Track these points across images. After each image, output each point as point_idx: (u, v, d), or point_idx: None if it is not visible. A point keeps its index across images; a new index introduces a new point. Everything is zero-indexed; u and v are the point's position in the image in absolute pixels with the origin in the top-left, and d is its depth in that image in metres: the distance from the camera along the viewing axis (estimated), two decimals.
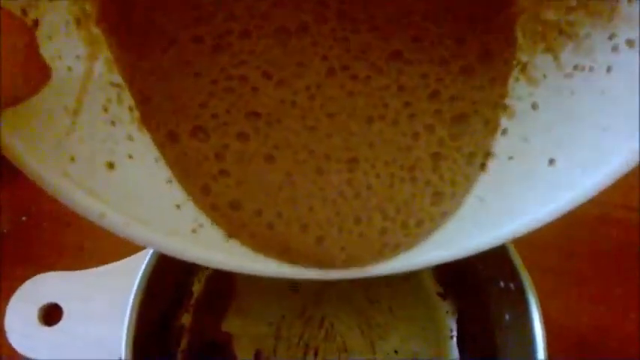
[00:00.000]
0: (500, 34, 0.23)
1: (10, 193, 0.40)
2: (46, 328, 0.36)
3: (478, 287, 0.32)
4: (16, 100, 0.18)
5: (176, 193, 0.23)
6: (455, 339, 0.34)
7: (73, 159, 0.21)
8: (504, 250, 0.29)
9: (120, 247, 0.38)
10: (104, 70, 0.22)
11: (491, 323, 0.32)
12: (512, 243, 0.29)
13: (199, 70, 0.23)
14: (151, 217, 0.22)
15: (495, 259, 0.30)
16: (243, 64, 0.23)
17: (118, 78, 0.22)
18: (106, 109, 0.22)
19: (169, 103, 0.23)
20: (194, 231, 0.23)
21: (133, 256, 0.37)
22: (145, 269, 0.26)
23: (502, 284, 0.31)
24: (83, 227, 0.40)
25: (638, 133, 0.20)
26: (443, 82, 0.24)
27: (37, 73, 0.19)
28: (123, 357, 0.25)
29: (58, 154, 0.20)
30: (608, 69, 0.21)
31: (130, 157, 0.22)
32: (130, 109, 0.22)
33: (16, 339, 0.36)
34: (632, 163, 0.20)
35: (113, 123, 0.22)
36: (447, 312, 0.35)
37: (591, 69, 0.22)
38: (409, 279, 0.35)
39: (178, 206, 0.23)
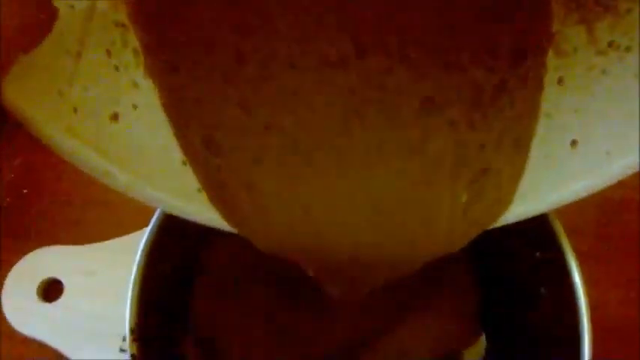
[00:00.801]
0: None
1: (12, 167, 0.39)
2: (46, 304, 0.34)
3: (509, 257, 0.29)
4: (29, 47, 0.17)
5: None
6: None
7: (75, 110, 0.19)
8: (543, 217, 0.27)
9: (122, 223, 0.36)
10: (108, 7, 0.20)
11: (523, 298, 0.30)
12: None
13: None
14: (157, 174, 0.20)
15: (532, 226, 0.27)
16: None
17: (122, 17, 0.20)
18: (109, 53, 0.20)
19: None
20: (200, 190, 0.21)
21: (135, 232, 0.35)
22: (145, 244, 0.24)
23: (538, 254, 0.28)
24: (85, 202, 0.38)
25: None
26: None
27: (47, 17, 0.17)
28: (127, 333, 0.23)
29: (61, 105, 0.19)
30: None
31: (135, 107, 0.20)
32: (135, 52, 0.20)
33: (14, 316, 0.34)
34: None
35: (117, 68, 0.20)
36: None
37: (628, 49, 0.20)
38: None
39: (184, 162, 0.21)
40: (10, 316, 0.34)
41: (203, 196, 0.21)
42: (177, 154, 0.21)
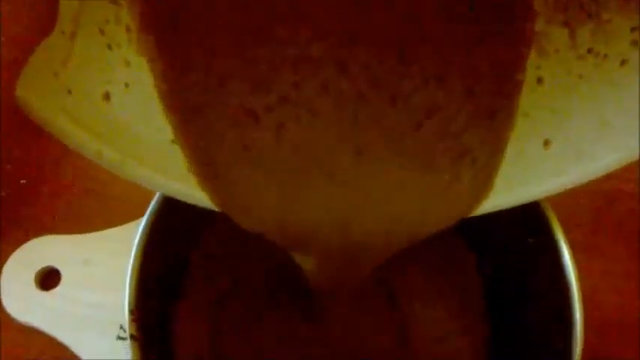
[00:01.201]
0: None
1: (10, 157, 0.39)
2: (44, 293, 0.34)
3: (504, 244, 0.30)
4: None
5: None
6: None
7: (70, 91, 0.19)
8: (534, 205, 0.27)
9: (120, 213, 0.36)
10: None
11: (519, 283, 0.30)
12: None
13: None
14: (147, 153, 0.21)
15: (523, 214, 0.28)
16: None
17: None
18: (102, 32, 0.20)
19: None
20: (189, 170, 0.21)
21: (133, 222, 0.36)
22: (142, 232, 0.24)
23: (530, 240, 0.28)
24: (83, 193, 0.38)
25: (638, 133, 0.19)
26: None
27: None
28: (127, 322, 0.23)
29: (55, 86, 0.19)
30: (623, 62, 0.20)
31: (127, 85, 0.21)
32: (128, 29, 0.21)
33: (11, 304, 0.34)
34: (628, 160, 0.20)
35: (110, 47, 0.21)
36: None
37: (605, 57, 0.20)
38: None
39: (174, 141, 0.21)
40: (7, 304, 0.34)
41: (192, 176, 0.21)
42: (167, 133, 0.21)
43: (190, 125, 0.21)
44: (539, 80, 0.22)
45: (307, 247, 0.22)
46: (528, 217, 0.27)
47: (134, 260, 0.23)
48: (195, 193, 0.21)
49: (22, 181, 0.38)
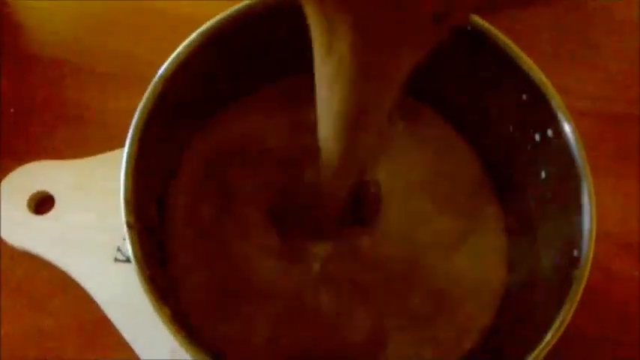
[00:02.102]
0: None
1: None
2: (38, 217, 0.34)
3: (506, 140, 0.29)
4: None
5: None
6: None
7: None
8: (540, 94, 0.26)
9: (111, 139, 0.35)
10: None
11: (523, 184, 0.29)
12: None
13: None
14: None
15: (529, 102, 0.27)
16: None
17: None
18: None
19: None
20: None
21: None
22: (137, 119, 0.23)
23: (537, 137, 0.28)
24: (74, 120, 0.37)
25: None
26: None
27: None
28: (129, 247, 0.23)
29: None
30: None
31: None
32: None
33: (5, 228, 0.33)
34: None
35: None
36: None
37: None
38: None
39: None
40: (1, 228, 0.33)
41: None
42: None
43: None
44: None
45: None
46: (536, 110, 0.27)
47: (129, 148, 0.22)
48: None
49: (10, 110, 0.37)
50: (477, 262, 0.30)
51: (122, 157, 0.23)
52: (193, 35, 0.25)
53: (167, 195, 0.29)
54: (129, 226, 0.22)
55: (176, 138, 0.28)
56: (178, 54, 0.25)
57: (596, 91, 0.39)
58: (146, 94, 0.23)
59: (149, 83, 0.25)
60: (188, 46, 0.25)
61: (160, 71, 0.24)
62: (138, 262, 0.22)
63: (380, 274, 0.29)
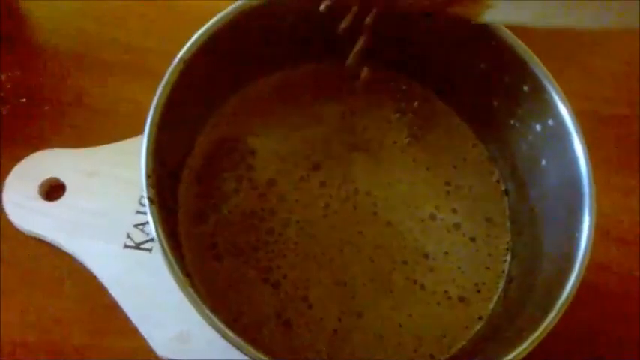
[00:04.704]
0: None
1: (12, 76, 0.38)
2: (49, 203, 0.34)
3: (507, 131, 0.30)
4: None
5: None
6: None
7: None
8: (539, 84, 0.27)
9: (121, 129, 0.36)
10: None
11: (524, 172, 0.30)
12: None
13: None
14: None
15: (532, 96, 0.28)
16: None
17: None
18: None
19: None
20: None
21: (136, 137, 0.35)
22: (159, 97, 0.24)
23: (538, 127, 0.29)
24: (83, 110, 0.38)
25: None
26: None
27: None
28: (150, 222, 0.23)
29: None
30: None
31: None
32: None
33: (15, 214, 0.34)
34: None
35: None
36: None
37: None
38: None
39: None
40: (11, 213, 0.33)
41: None
42: None
43: None
44: None
45: None
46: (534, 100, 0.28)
47: (150, 125, 0.23)
48: None
49: (22, 100, 0.38)
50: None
51: (145, 130, 0.23)
52: (214, 19, 0.26)
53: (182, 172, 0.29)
54: (151, 201, 0.23)
55: (194, 117, 0.29)
56: (199, 36, 0.26)
57: (593, 91, 0.40)
58: (167, 74, 0.24)
59: (159, 75, 0.26)
60: (208, 29, 0.26)
61: (181, 53, 0.25)
62: (159, 236, 0.22)
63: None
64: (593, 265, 0.26)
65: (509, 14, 0.25)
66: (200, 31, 0.26)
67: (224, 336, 0.22)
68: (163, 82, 0.24)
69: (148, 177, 0.23)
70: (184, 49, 0.25)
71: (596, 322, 0.35)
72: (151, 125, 0.24)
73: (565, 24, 0.25)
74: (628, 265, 0.36)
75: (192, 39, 0.26)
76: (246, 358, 0.22)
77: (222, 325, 0.22)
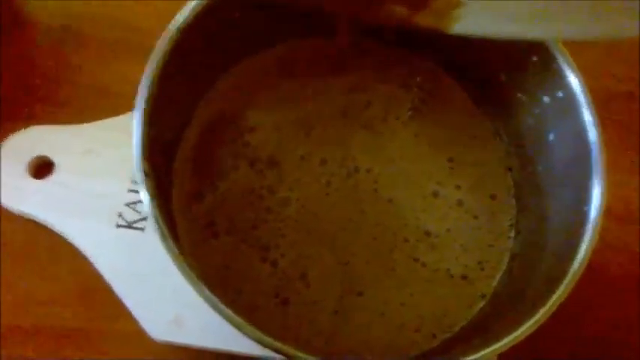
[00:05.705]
0: None
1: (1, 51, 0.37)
2: (37, 181, 0.33)
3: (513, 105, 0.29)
4: None
5: None
6: None
7: None
8: (549, 54, 0.27)
9: (112, 106, 0.34)
10: None
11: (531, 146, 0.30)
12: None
13: None
14: None
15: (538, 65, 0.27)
16: None
17: None
18: None
19: None
20: None
21: (128, 113, 0.34)
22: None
23: (547, 99, 0.28)
24: (74, 86, 0.37)
25: None
26: None
27: None
28: (144, 198, 0.22)
29: None
30: None
31: None
32: None
33: (5, 194, 0.32)
34: None
35: None
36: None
37: None
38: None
39: None
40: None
41: None
42: None
43: None
44: None
45: None
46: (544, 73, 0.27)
47: (145, 93, 0.22)
48: None
49: (10, 74, 0.36)
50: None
51: (137, 101, 0.22)
52: None
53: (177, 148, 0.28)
54: (145, 174, 0.22)
55: (191, 90, 0.28)
56: (197, 4, 0.24)
57: (596, 68, 0.40)
58: (162, 42, 0.23)
59: (150, 51, 0.25)
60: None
61: (177, 21, 0.24)
62: (154, 210, 0.21)
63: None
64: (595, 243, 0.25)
65: (482, 26, 0.24)
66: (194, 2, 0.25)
67: (224, 316, 0.21)
68: (157, 51, 0.23)
69: (142, 149, 0.22)
70: (180, 17, 0.24)
71: (596, 300, 0.34)
72: (143, 95, 0.23)
73: (542, 36, 0.25)
74: (631, 243, 0.36)
75: (190, 5, 0.24)
76: (242, 340, 0.21)
77: (221, 305, 0.21)
